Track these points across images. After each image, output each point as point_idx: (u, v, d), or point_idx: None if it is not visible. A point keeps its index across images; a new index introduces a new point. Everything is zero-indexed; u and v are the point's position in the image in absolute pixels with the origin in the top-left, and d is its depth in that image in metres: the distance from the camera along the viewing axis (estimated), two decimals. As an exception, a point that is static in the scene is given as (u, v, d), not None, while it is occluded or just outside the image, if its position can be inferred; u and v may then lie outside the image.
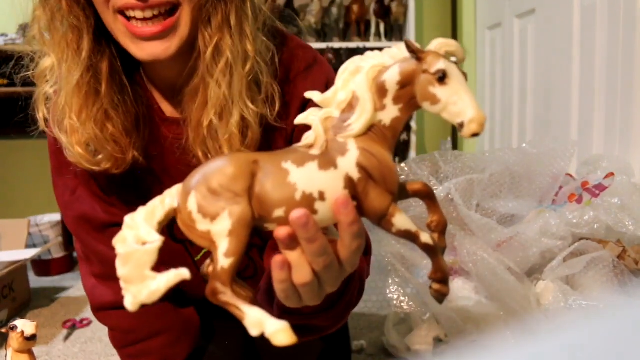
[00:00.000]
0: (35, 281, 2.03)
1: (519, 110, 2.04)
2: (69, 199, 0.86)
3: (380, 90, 0.48)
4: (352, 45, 2.31)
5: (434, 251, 0.51)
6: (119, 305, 0.58)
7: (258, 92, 0.70)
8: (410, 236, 0.50)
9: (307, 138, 0.49)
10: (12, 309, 1.64)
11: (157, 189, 0.54)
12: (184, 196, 0.46)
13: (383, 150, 0.49)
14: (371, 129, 0.49)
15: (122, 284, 0.45)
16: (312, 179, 0.47)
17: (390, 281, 1.18)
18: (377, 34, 2.40)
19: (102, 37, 0.71)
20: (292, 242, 0.46)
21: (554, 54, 1.72)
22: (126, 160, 0.73)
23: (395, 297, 1.17)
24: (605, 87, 1.44)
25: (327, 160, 0.47)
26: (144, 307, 0.44)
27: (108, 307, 0.87)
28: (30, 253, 1.75)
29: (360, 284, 0.73)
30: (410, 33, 2.34)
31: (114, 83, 0.72)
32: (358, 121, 0.48)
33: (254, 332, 0.44)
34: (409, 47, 0.46)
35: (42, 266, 2.10)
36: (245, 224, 0.45)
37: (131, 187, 0.79)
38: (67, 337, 1.48)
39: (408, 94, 0.47)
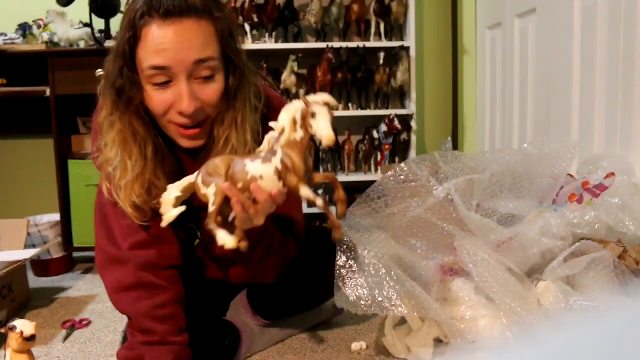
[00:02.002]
0: (35, 281, 2.02)
1: (520, 109, 2.04)
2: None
3: (294, 122, 0.91)
4: (352, 44, 2.30)
5: (327, 212, 0.94)
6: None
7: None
8: (310, 201, 0.91)
9: (261, 147, 0.95)
10: (11, 309, 1.63)
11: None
12: (196, 176, 0.96)
13: (294, 154, 0.90)
14: (290, 142, 0.91)
15: (163, 215, 0.97)
16: (258, 168, 0.91)
17: (386, 283, 1.18)
18: (377, 34, 2.40)
19: (151, 127, 1.06)
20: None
21: (555, 54, 1.72)
22: None
23: (393, 298, 1.17)
24: (606, 86, 1.44)
25: (266, 159, 0.91)
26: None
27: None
28: (29, 253, 1.75)
29: (280, 241, 1.11)
30: (411, 33, 2.34)
31: (157, 159, 1.07)
32: (283, 138, 0.91)
33: (220, 243, 0.91)
34: (305, 102, 0.89)
35: (41, 266, 2.10)
36: (222, 190, 0.92)
37: None
38: (66, 338, 1.48)
39: (305, 123, 0.90)
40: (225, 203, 0.92)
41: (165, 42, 0.96)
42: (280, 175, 0.89)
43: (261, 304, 1.33)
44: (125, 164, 1.03)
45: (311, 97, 0.90)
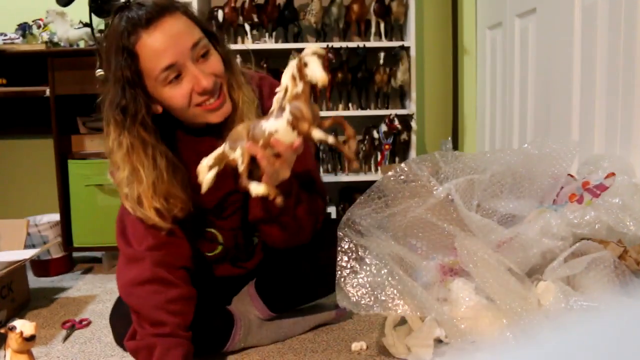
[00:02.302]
0: (34, 281, 2.03)
1: (520, 109, 2.04)
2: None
3: (293, 79, 1.01)
4: (352, 44, 2.30)
5: (340, 146, 1.05)
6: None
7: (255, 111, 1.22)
8: (323, 141, 1.02)
9: (271, 109, 1.06)
10: (11, 309, 1.63)
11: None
12: (223, 147, 1.08)
13: (300, 104, 1.01)
14: (294, 96, 1.01)
15: (201, 182, 1.08)
16: (272, 124, 1.03)
17: (387, 283, 1.18)
18: (377, 34, 2.40)
19: (160, 141, 1.14)
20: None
21: (555, 54, 1.71)
22: (187, 209, 1.18)
23: (395, 298, 1.17)
24: (606, 86, 1.44)
25: (278, 115, 1.03)
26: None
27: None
28: (29, 253, 1.75)
29: (308, 196, 1.22)
30: (411, 32, 2.34)
31: (169, 170, 1.14)
32: (288, 94, 1.02)
33: (254, 194, 1.04)
34: (300, 56, 1.00)
35: (41, 266, 2.10)
36: (247, 149, 1.04)
37: None
38: (66, 338, 1.48)
39: (302, 75, 0.99)
40: (254, 166, 1.05)
41: (160, 43, 1.05)
42: (293, 125, 1.01)
43: (269, 294, 1.37)
44: (139, 175, 1.11)
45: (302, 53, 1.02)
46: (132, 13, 1.06)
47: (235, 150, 1.05)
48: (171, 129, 1.21)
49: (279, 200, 1.04)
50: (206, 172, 1.07)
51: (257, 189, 1.03)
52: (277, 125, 1.02)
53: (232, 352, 1.34)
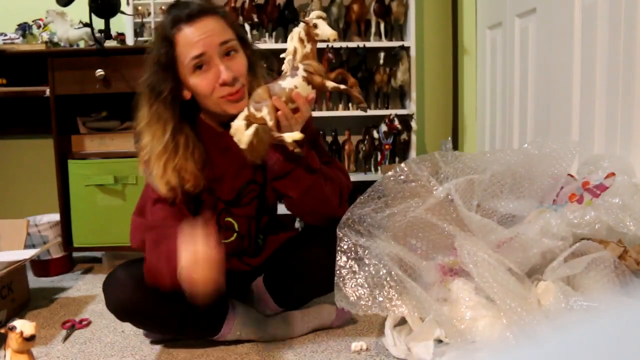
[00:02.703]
0: (34, 281, 2.03)
1: (520, 109, 2.04)
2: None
3: (301, 41, 1.18)
4: (352, 44, 2.30)
5: (349, 91, 1.20)
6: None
7: None
8: (335, 89, 1.18)
9: (284, 70, 1.21)
10: (11, 309, 1.63)
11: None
12: (247, 108, 1.19)
13: (310, 61, 1.18)
14: (305, 55, 1.18)
15: (239, 142, 1.19)
16: (290, 82, 1.17)
17: (386, 283, 1.18)
18: (377, 34, 2.40)
19: (183, 121, 1.29)
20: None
21: (555, 54, 1.71)
22: (200, 186, 1.30)
23: (394, 298, 1.17)
24: (606, 86, 1.44)
25: (293, 74, 1.17)
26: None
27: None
28: (29, 253, 1.75)
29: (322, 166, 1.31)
30: (411, 32, 2.34)
31: (187, 148, 1.28)
32: (298, 55, 1.18)
33: (290, 140, 1.16)
34: (305, 21, 1.17)
35: (41, 266, 2.10)
36: (272, 106, 1.16)
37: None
38: (66, 338, 1.48)
39: (311, 37, 1.17)
40: (256, 137, 1.21)
41: (195, 36, 1.22)
42: (308, 80, 1.16)
43: (276, 288, 1.41)
44: (155, 146, 1.26)
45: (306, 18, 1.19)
46: (179, 11, 1.24)
47: (260, 110, 1.17)
48: (196, 117, 1.35)
49: (297, 150, 1.18)
50: (244, 130, 1.18)
51: (290, 135, 1.17)
52: (295, 82, 1.16)
53: (229, 345, 1.35)
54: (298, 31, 1.18)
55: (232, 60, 1.25)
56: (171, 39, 1.24)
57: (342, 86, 1.18)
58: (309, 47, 1.18)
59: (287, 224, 1.54)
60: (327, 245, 1.29)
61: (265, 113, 1.16)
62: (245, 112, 1.20)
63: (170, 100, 1.26)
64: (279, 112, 1.16)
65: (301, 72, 1.16)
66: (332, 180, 1.31)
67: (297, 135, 1.17)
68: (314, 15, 1.17)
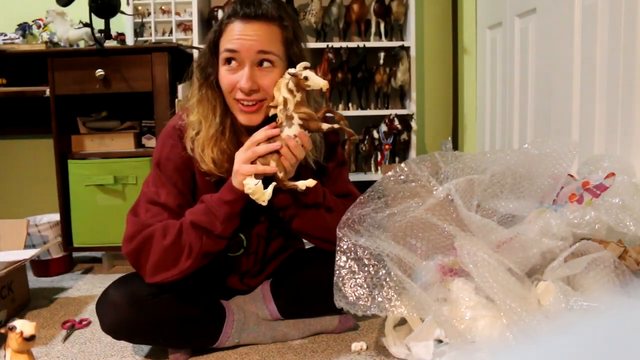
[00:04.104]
0: (34, 281, 2.03)
1: (520, 109, 2.04)
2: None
3: (290, 92, 1.22)
4: (352, 44, 2.30)
5: (342, 127, 1.26)
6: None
7: None
8: (330, 129, 1.25)
9: (278, 120, 1.25)
10: (11, 309, 1.63)
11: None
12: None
13: (303, 108, 1.22)
14: (297, 104, 1.22)
15: (259, 200, 1.21)
16: (289, 131, 1.22)
17: (385, 284, 1.18)
18: (378, 34, 2.40)
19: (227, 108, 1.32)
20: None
21: (555, 54, 1.71)
22: (229, 174, 1.28)
23: (393, 298, 1.17)
24: (607, 86, 1.44)
25: (289, 124, 1.23)
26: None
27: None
28: (29, 253, 1.75)
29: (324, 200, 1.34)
30: (411, 32, 2.34)
31: (233, 132, 1.32)
32: (290, 105, 1.22)
33: (304, 187, 1.25)
34: (293, 74, 1.21)
35: (41, 266, 2.10)
36: (279, 158, 1.23)
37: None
38: (66, 338, 1.48)
39: (300, 87, 1.21)
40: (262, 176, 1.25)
41: (239, 33, 1.23)
42: (305, 127, 1.22)
43: (283, 297, 1.39)
44: (203, 124, 1.29)
45: (291, 70, 1.22)
46: (240, 6, 1.25)
47: (269, 163, 1.22)
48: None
49: (310, 183, 1.24)
50: (262, 189, 1.21)
51: (304, 183, 1.23)
52: (293, 132, 1.22)
53: (229, 348, 1.35)
54: (285, 82, 1.21)
55: (261, 71, 1.24)
56: (222, 27, 1.27)
57: (336, 125, 1.25)
58: (299, 96, 1.21)
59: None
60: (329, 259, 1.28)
61: (273, 165, 1.22)
62: (253, 169, 1.21)
63: (217, 85, 1.29)
64: (286, 163, 1.22)
65: (297, 121, 1.22)
66: (334, 212, 1.32)
67: (310, 182, 1.23)
68: (300, 67, 1.20)
